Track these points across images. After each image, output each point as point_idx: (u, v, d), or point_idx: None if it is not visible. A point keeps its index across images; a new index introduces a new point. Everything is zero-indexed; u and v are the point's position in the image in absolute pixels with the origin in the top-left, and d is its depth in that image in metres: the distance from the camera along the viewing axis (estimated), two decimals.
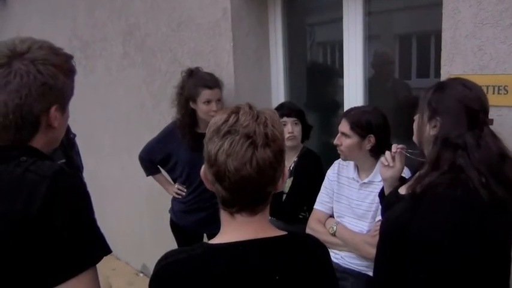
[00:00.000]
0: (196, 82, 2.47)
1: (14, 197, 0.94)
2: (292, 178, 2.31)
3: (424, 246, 1.26)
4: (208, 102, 2.43)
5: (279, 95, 2.80)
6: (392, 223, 1.40)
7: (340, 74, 2.47)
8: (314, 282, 1.02)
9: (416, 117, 1.45)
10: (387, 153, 1.62)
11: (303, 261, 1.02)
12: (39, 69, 1.03)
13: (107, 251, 1.03)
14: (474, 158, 1.25)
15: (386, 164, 1.61)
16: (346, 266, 2.01)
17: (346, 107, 2.32)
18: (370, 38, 2.34)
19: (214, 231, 1.05)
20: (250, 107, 1.00)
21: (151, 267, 1.00)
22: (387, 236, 1.42)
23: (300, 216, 2.35)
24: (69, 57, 1.12)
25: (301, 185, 2.29)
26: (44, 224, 0.93)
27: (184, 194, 2.66)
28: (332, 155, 2.22)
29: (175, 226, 2.77)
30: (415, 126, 1.45)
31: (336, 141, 2.00)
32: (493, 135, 1.31)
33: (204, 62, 2.82)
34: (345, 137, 1.97)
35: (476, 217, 1.22)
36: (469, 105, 1.31)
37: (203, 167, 1.02)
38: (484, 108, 1.33)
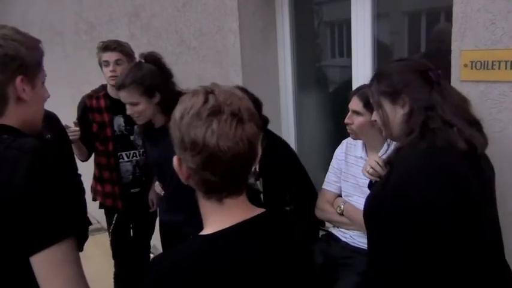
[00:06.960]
0: None
1: None
2: (261, 179, 2.14)
3: (400, 205, 1.24)
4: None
5: (286, 74, 2.77)
6: (370, 197, 1.41)
7: (348, 53, 2.43)
8: (296, 257, 1.03)
9: (375, 116, 1.46)
10: (367, 170, 1.67)
11: (286, 235, 1.04)
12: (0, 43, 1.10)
13: (85, 223, 1.11)
14: (444, 112, 1.29)
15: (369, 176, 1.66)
16: (355, 245, 2.01)
17: (354, 87, 2.29)
18: (378, 16, 2.29)
19: (197, 229, 1.01)
20: (218, 86, 0.97)
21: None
22: (368, 212, 1.41)
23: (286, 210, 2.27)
24: (35, 39, 1.20)
25: (274, 182, 2.13)
26: (26, 195, 1.00)
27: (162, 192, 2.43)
28: (340, 134, 2.21)
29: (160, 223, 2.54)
30: (380, 123, 1.44)
31: (346, 120, 1.94)
32: (449, 84, 1.38)
33: (210, 42, 2.79)
34: (356, 115, 1.91)
35: (447, 165, 1.23)
36: (417, 68, 1.38)
37: (176, 159, 0.96)
38: (428, 65, 1.39)
